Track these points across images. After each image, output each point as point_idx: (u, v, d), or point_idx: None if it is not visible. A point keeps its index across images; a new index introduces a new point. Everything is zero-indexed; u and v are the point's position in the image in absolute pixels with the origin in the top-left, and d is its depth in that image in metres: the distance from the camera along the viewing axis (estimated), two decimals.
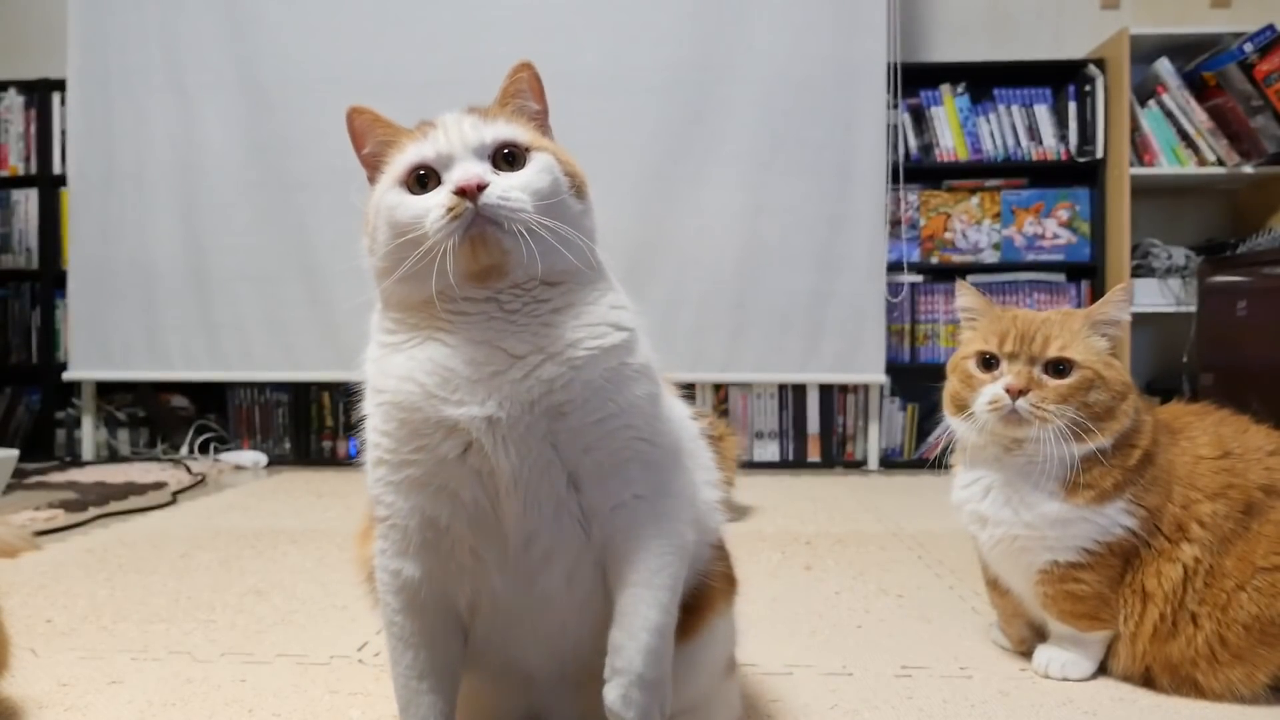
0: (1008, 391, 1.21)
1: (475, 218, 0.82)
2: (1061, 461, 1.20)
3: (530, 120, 0.95)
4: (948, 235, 3.54)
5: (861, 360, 3.38)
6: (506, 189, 0.84)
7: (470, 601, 0.89)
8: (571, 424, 0.84)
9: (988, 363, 1.26)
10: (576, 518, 0.86)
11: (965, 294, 1.35)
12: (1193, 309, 3.01)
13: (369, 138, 0.93)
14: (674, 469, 0.92)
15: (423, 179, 0.87)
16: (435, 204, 0.84)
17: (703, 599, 0.95)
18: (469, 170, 0.84)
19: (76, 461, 3.51)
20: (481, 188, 0.83)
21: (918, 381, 3.50)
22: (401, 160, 0.88)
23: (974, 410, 1.24)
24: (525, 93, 0.96)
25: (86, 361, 3.53)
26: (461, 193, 0.82)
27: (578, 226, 0.88)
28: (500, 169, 0.87)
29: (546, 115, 0.98)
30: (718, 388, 3.50)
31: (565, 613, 0.89)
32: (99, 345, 3.52)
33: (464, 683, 0.92)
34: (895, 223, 3.49)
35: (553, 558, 0.86)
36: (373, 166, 0.93)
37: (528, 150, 0.89)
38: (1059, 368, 1.22)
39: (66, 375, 3.55)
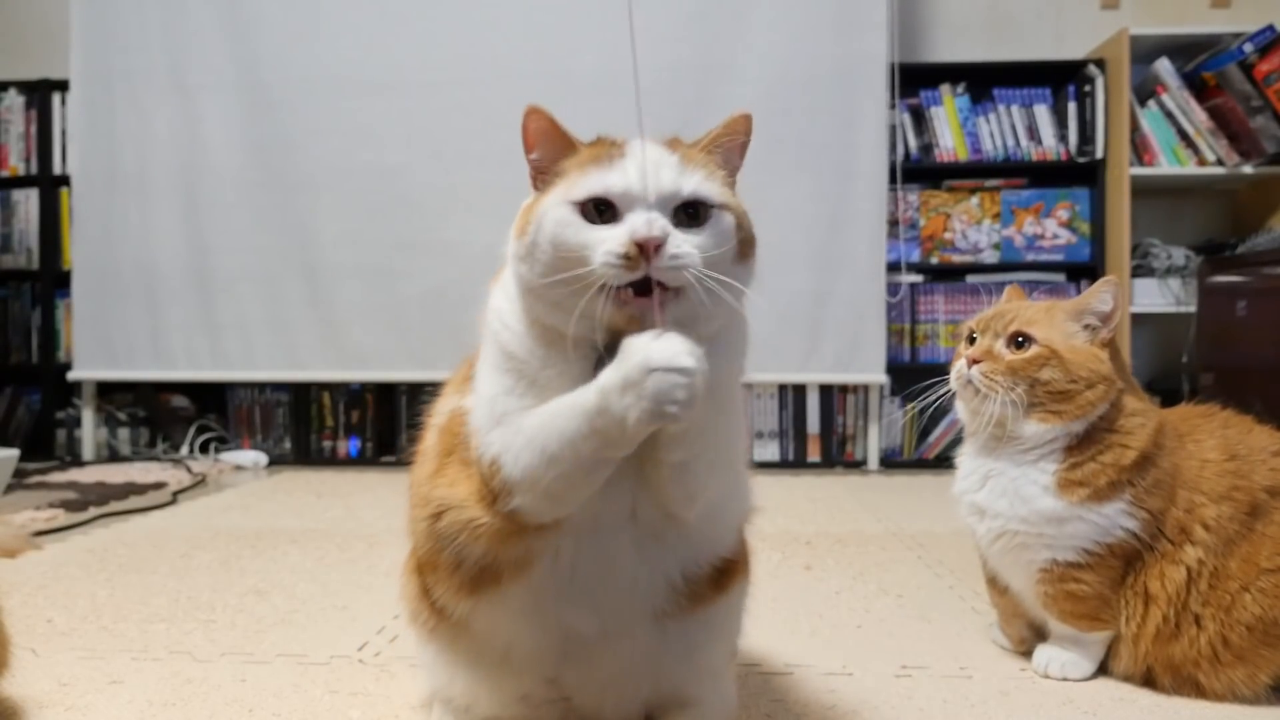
0: (967, 361, 1.28)
1: (645, 277, 0.81)
2: (1033, 443, 1.23)
3: (728, 175, 0.94)
4: (947, 235, 3.54)
5: (861, 360, 3.38)
6: (680, 247, 0.83)
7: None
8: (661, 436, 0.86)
9: (972, 341, 1.32)
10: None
11: (1010, 294, 1.41)
12: (1193, 309, 3.02)
13: (542, 145, 0.92)
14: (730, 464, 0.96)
15: (599, 206, 0.85)
16: (610, 238, 0.82)
17: (730, 564, 0.98)
18: (654, 225, 0.82)
19: (77, 461, 3.51)
20: (658, 247, 0.81)
21: (918, 382, 3.49)
22: (582, 183, 0.86)
23: (950, 382, 1.32)
24: (734, 147, 0.95)
25: (90, 361, 3.53)
26: (639, 248, 0.81)
27: (739, 281, 0.88)
28: (679, 221, 0.86)
29: (739, 169, 0.97)
30: None
31: (630, 558, 0.91)
32: (102, 345, 3.52)
33: (500, 632, 0.93)
34: (895, 223, 3.49)
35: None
36: (540, 171, 0.92)
37: (715, 208, 0.88)
38: (1019, 343, 1.26)
39: (71, 375, 3.55)
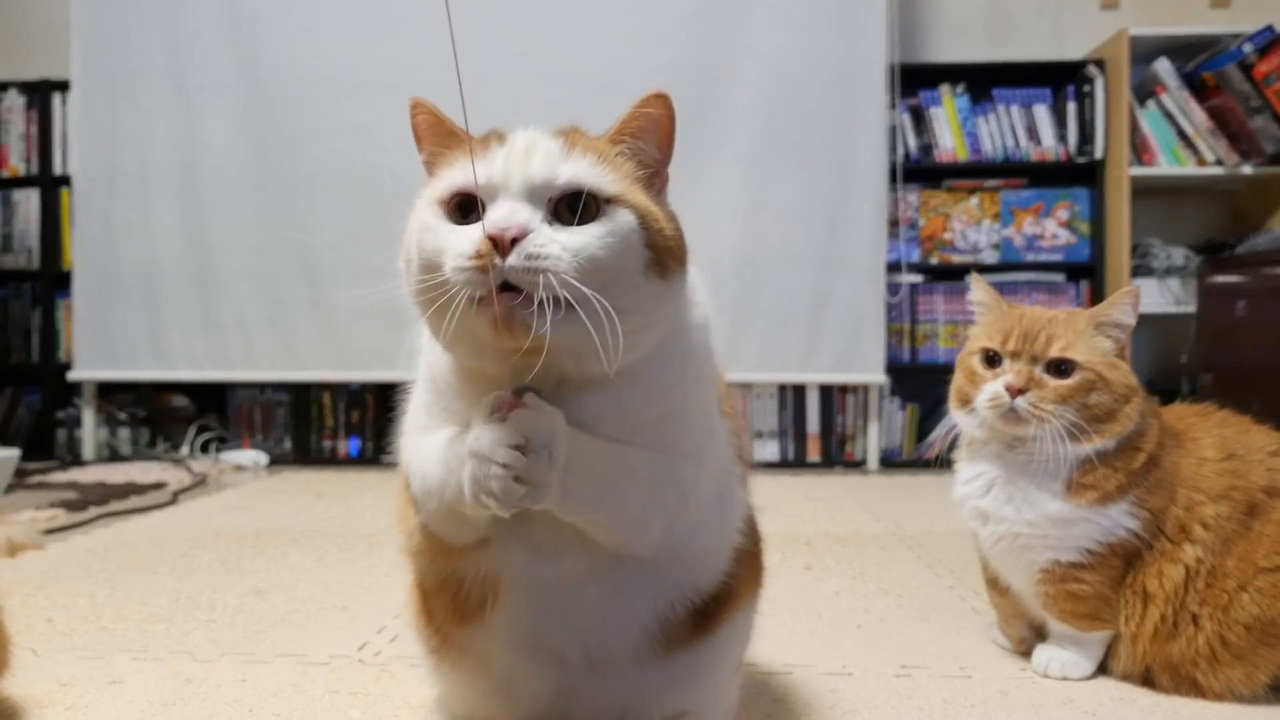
0: (1007, 390, 1.22)
1: (503, 282, 0.69)
2: (1061, 461, 1.20)
3: (640, 167, 0.79)
4: (947, 235, 3.54)
5: (861, 360, 3.38)
6: (542, 245, 0.69)
7: (497, 573, 0.84)
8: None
9: (991, 359, 1.27)
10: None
11: (978, 287, 1.36)
12: (1192, 309, 3.02)
13: (426, 140, 0.82)
14: (705, 470, 0.86)
15: (464, 207, 0.74)
16: (463, 238, 0.71)
17: (723, 596, 0.90)
18: (510, 215, 0.70)
19: (77, 461, 3.51)
20: (517, 240, 0.69)
21: (918, 381, 3.50)
22: (446, 178, 0.76)
23: (975, 405, 1.26)
24: (648, 133, 0.79)
25: (91, 361, 3.53)
26: (493, 242, 0.69)
27: (644, 310, 0.73)
28: (562, 220, 0.73)
29: (665, 165, 0.81)
30: None
31: (594, 597, 0.84)
32: (103, 345, 3.52)
33: (496, 661, 0.88)
34: (894, 223, 3.49)
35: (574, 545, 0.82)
36: (431, 170, 0.82)
37: (608, 202, 0.74)
38: (1060, 368, 1.22)
39: (71, 375, 3.55)
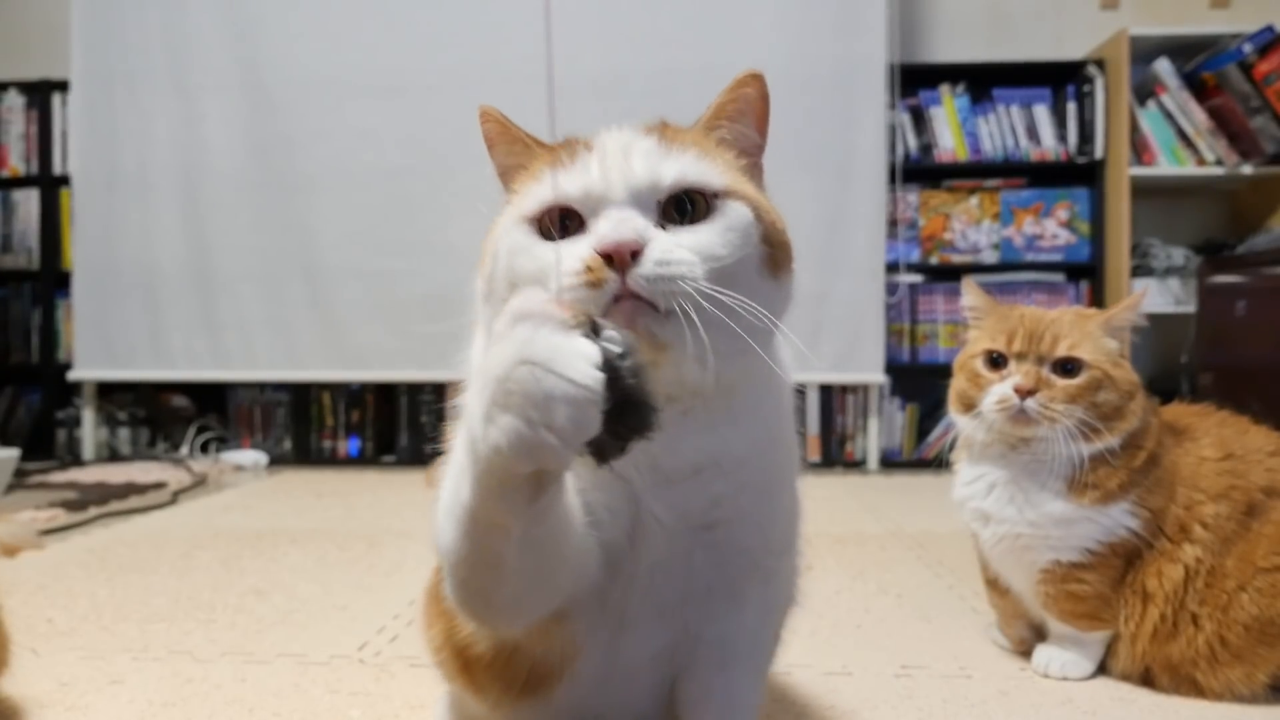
0: (1016, 391, 1.21)
1: (622, 294, 0.62)
2: (1069, 461, 1.20)
3: (740, 155, 0.73)
4: (947, 235, 3.54)
5: (861, 360, 3.38)
6: (668, 251, 0.63)
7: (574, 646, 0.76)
8: (714, 540, 0.73)
9: (995, 361, 1.27)
10: (679, 625, 0.76)
11: (970, 292, 1.35)
12: (1192, 309, 3.02)
13: (497, 149, 0.76)
14: (786, 573, 0.82)
15: (563, 219, 0.67)
16: (570, 255, 0.63)
17: None
18: (623, 226, 0.63)
19: (77, 461, 3.51)
20: (635, 254, 0.62)
21: (918, 381, 3.50)
22: (535, 192, 0.69)
23: (981, 409, 1.25)
24: (745, 116, 0.74)
25: (91, 361, 3.53)
26: (608, 258, 0.62)
27: (767, 308, 0.66)
28: (671, 221, 0.66)
29: (762, 151, 0.76)
30: None
31: (646, 687, 0.79)
32: (103, 345, 3.52)
33: None
34: (894, 223, 3.49)
35: (645, 641, 0.76)
36: (506, 182, 0.76)
37: (717, 197, 0.67)
38: (1067, 367, 1.22)
39: (72, 375, 3.55)
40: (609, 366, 0.53)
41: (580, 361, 0.52)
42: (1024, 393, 1.21)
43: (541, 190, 0.68)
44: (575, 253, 0.63)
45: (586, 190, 0.66)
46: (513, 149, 0.74)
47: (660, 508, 0.70)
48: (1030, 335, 1.24)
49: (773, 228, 0.70)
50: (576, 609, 0.72)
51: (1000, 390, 1.23)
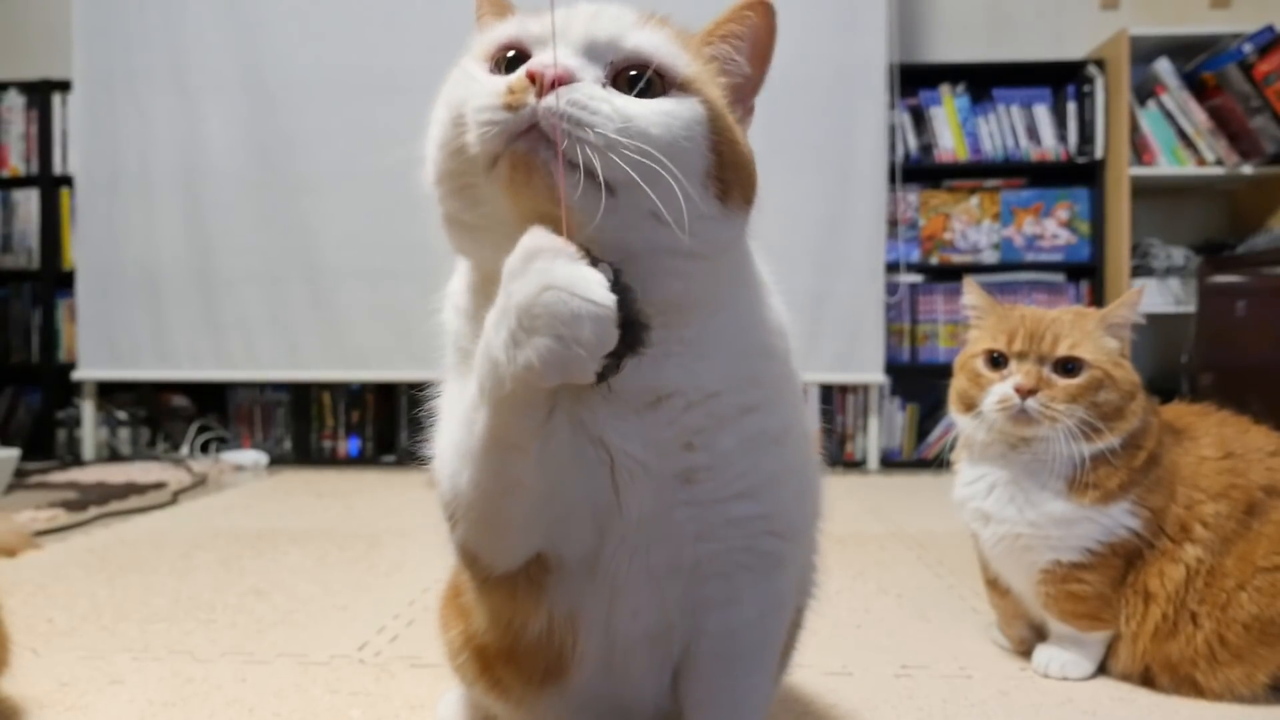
0: (1017, 391, 1.21)
1: (531, 126, 0.59)
2: (1070, 460, 1.20)
3: (722, 76, 0.69)
4: (947, 235, 3.54)
5: (861, 360, 3.38)
6: (593, 96, 0.60)
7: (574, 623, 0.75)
8: (695, 495, 0.69)
9: (995, 361, 1.26)
10: (671, 603, 0.74)
11: (971, 291, 1.35)
12: (1192, 309, 3.02)
13: (481, 10, 0.75)
14: (794, 563, 0.79)
15: (512, 62, 0.64)
16: (498, 80, 0.62)
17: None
18: (561, 62, 0.60)
19: (77, 461, 3.51)
20: (561, 82, 0.59)
21: (918, 381, 3.50)
22: (495, 32, 0.68)
23: (982, 409, 1.24)
24: (742, 42, 0.69)
25: (93, 361, 3.54)
26: (531, 79, 0.59)
27: (694, 233, 0.62)
28: (619, 90, 0.62)
29: (754, 90, 0.73)
30: None
31: (649, 671, 0.78)
32: (105, 345, 3.52)
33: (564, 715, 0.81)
34: (894, 223, 3.49)
35: (638, 615, 0.74)
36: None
37: (678, 88, 0.64)
38: (1068, 367, 1.22)
39: (75, 375, 3.55)
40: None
41: (597, 285, 0.57)
42: (1025, 392, 1.21)
43: (502, 28, 0.67)
44: (504, 80, 0.61)
45: (542, 30, 0.63)
46: (495, 9, 0.73)
47: (628, 444, 0.67)
48: (1031, 335, 1.24)
49: (730, 143, 0.65)
50: (569, 575, 0.72)
51: (1001, 390, 1.23)
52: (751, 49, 0.70)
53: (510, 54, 0.65)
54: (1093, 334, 1.23)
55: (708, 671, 0.75)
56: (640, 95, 0.62)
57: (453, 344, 0.74)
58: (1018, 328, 1.25)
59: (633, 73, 0.63)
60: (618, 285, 0.59)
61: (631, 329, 0.59)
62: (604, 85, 0.62)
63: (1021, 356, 1.24)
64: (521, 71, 0.60)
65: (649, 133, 0.60)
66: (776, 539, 0.74)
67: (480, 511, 0.68)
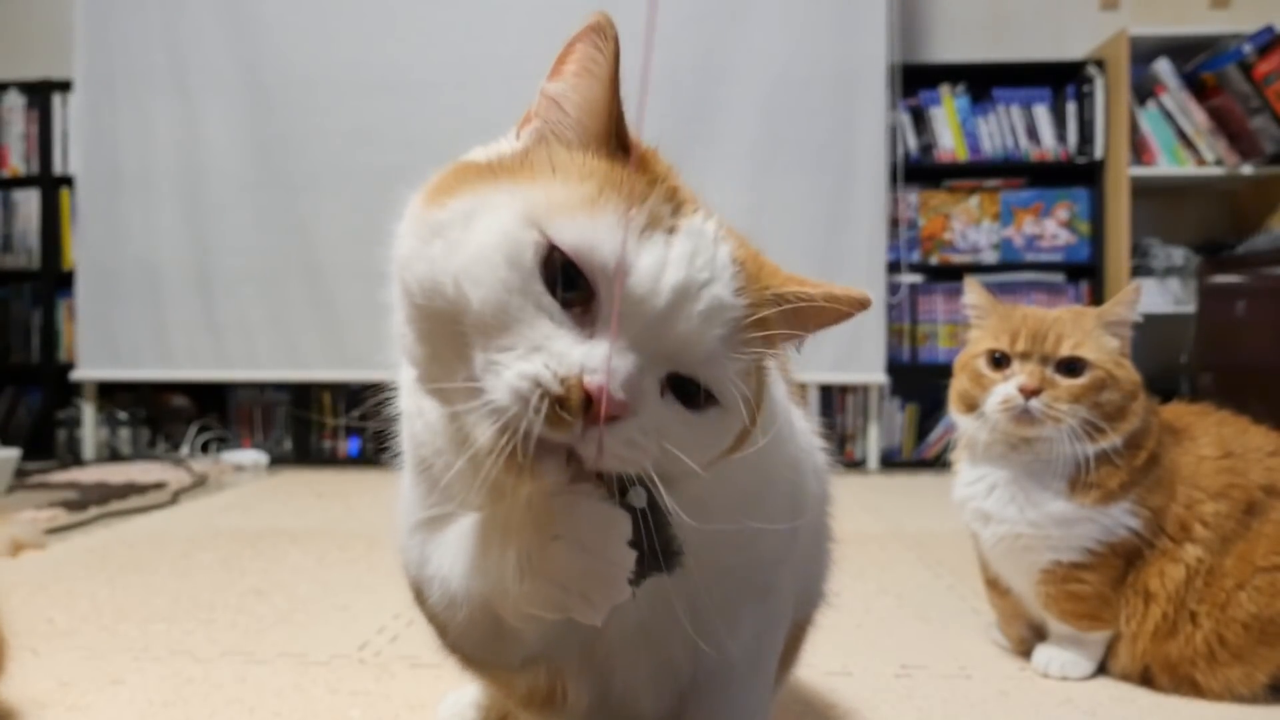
0: (1020, 391, 1.20)
1: (570, 445, 0.53)
2: (1071, 460, 1.20)
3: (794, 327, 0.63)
4: (947, 235, 3.54)
5: (861, 360, 3.38)
6: (645, 433, 0.53)
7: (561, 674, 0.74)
8: (697, 561, 0.63)
9: (998, 361, 1.26)
10: (674, 647, 0.72)
11: (972, 291, 1.34)
12: (1192, 309, 3.02)
13: (576, 83, 0.59)
14: (789, 584, 0.77)
15: (567, 270, 0.53)
16: (553, 345, 0.51)
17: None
18: (629, 385, 0.51)
19: (77, 461, 3.51)
20: (612, 419, 0.51)
21: (918, 381, 3.50)
22: (571, 213, 0.53)
23: (984, 410, 1.24)
24: (809, 321, 0.63)
25: (93, 361, 3.54)
26: (588, 399, 0.51)
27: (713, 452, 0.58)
28: (673, 385, 0.55)
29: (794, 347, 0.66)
30: None
31: (649, 697, 0.76)
32: (105, 346, 3.53)
33: None
34: (895, 223, 3.49)
35: (638, 664, 0.74)
36: (547, 120, 0.60)
37: (717, 400, 0.56)
38: (1071, 367, 1.21)
39: (74, 375, 3.55)
40: (636, 516, 0.54)
41: (615, 538, 0.53)
42: (1028, 392, 1.20)
43: (579, 225, 0.51)
44: (560, 350, 0.50)
45: (631, 281, 0.51)
46: (597, 103, 0.56)
47: None
48: (1034, 335, 1.23)
49: (751, 422, 0.58)
50: (565, 650, 0.71)
51: (1004, 390, 1.23)
52: (816, 323, 0.64)
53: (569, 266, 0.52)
54: (1094, 333, 1.23)
55: (706, 688, 0.75)
56: (693, 393, 0.55)
57: (411, 449, 0.69)
58: (1020, 328, 1.25)
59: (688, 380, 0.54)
60: (651, 507, 0.54)
61: (662, 554, 0.55)
62: (660, 387, 0.54)
63: (1025, 357, 1.24)
64: (576, 367, 0.50)
65: (683, 460, 0.54)
66: (769, 570, 0.74)
67: (477, 637, 0.67)
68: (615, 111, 0.57)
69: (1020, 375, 1.22)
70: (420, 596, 0.71)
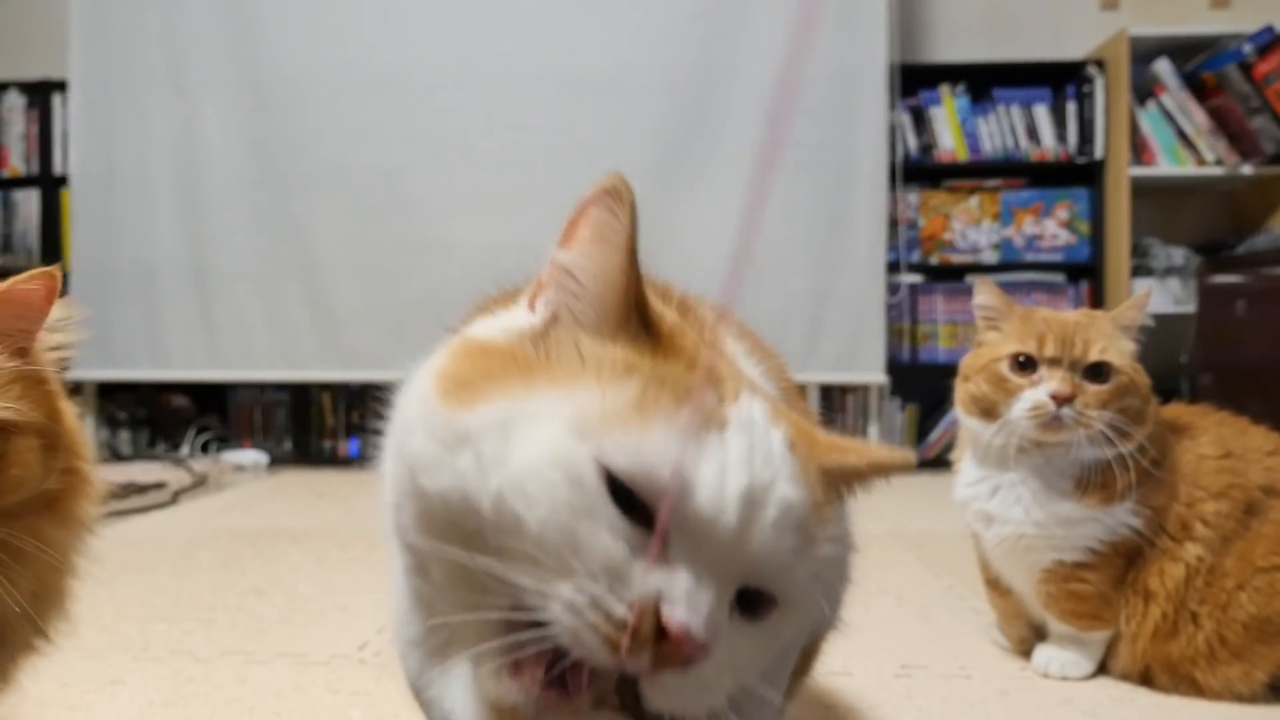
0: (1054, 398, 1.18)
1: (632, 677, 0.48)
2: (1080, 463, 1.20)
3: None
4: (947, 235, 3.54)
5: (861, 360, 3.38)
6: (720, 671, 0.48)
7: None
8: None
9: (1023, 365, 1.23)
10: None
11: (985, 291, 1.31)
12: (1192, 309, 3.02)
13: (588, 252, 0.54)
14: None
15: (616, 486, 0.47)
16: (622, 576, 0.46)
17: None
18: (710, 625, 0.47)
19: None
20: (688, 659, 0.46)
21: (918, 381, 3.50)
22: (626, 430, 0.48)
23: (1010, 416, 1.21)
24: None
25: (89, 362, 3.53)
26: (662, 633, 0.46)
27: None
28: (739, 599, 0.50)
29: None
30: None
31: None
32: (103, 346, 3.52)
33: None
34: (894, 223, 3.49)
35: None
36: (561, 294, 0.55)
37: (777, 605, 0.51)
38: (1096, 371, 1.20)
39: (72, 375, 3.55)
40: None
41: None
42: (1062, 399, 1.17)
43: (632, 436, 0.46)
44: (629, 576, 0.45)
45: (699, 499, 0.46)
46: (605, 257, 0.52)
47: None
48: (1061, 339, 1.20)
49: None
50: None
51: (1034, 396, 1.19)
52: (860, 486, 0.59)
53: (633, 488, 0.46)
54: (1114, 337, 1.23)
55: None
56: (755, 603, 0.50)
57: (400, 548, 0.59)
58: (1045, 331, 1.21)
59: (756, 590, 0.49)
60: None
61: None
62: (733, 609, 0.49)
63: (1054, 362, 1.20)
64: (650, 595, 0.45)
65: (742, 680, 0.50)
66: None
67: None
68: (635, 283, 0.52)
69: (1052, 381, 1.19)
70: (420, 707, 0.63)
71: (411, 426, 0.52)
